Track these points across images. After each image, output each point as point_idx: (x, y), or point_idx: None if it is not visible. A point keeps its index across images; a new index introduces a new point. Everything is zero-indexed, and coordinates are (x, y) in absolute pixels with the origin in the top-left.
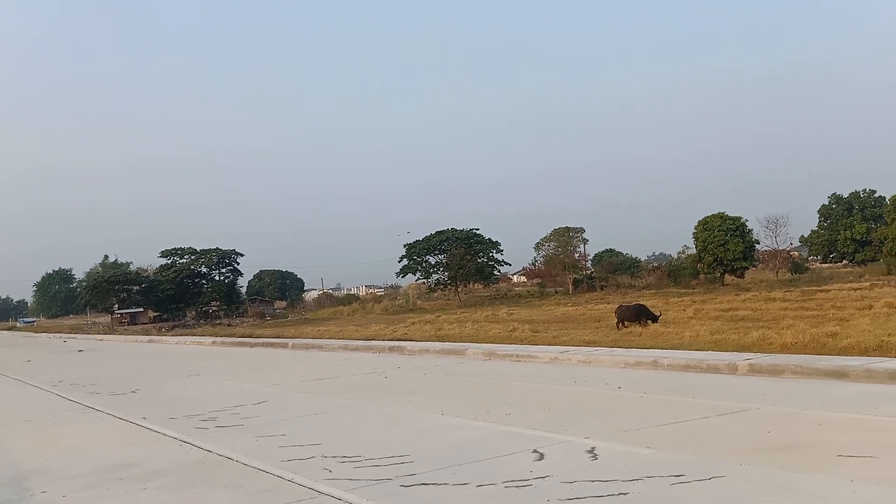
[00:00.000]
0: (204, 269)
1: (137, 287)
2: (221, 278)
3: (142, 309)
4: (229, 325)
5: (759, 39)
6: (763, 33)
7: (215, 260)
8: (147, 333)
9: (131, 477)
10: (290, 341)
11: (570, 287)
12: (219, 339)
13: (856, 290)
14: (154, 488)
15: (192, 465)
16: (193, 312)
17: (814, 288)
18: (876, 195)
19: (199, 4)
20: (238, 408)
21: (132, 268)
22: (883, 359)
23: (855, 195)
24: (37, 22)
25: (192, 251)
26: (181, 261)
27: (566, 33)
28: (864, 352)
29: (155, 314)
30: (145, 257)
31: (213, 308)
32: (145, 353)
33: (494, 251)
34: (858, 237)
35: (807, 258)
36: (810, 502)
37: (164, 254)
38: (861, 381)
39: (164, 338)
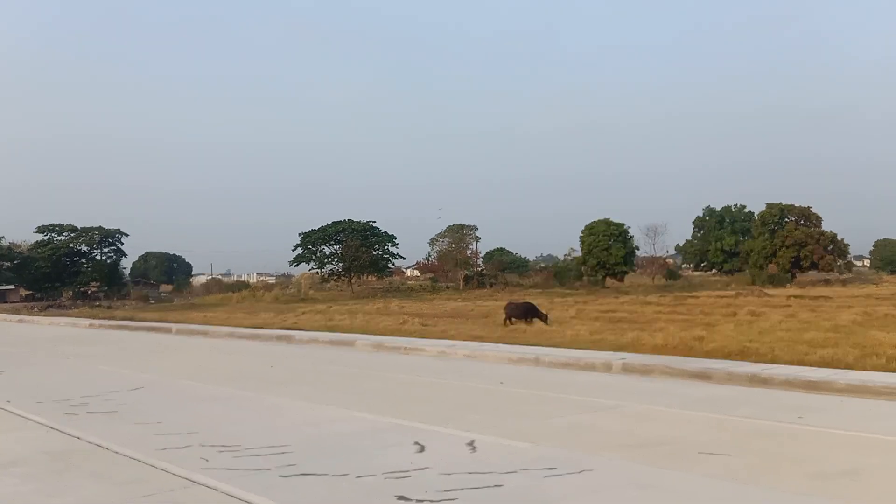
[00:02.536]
0: (85, 248)
1: (9, 263)
2: (103, 258)
3: (13, 286)
4: (109, 307)
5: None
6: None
7: (97, 239)
8: (17, 313)
9: None
10: (174, 326)
11: (462, 283)
12: (97, 322)
13: (723, 297)
14: (15, 476)
15: (58, 453)
16: (70, 293)
17: (685, 294)
18: (746, 210)
19: None
20: (112, 394)
21: (3, 242)
22: (743, 363)
23: (727, 209)
24: None
25: (73, 228)
26: (60, 237)
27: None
28: (727, 355)
29: (27, 293)
30: (20, 233)
31: (93, 289)
32: (14, 333)
33: (390, 244)
34: (728, 248)
35: (680, 266)
36: (670, 496)
37: (41, 229)
38: (723, 383)
39: (35, 318)
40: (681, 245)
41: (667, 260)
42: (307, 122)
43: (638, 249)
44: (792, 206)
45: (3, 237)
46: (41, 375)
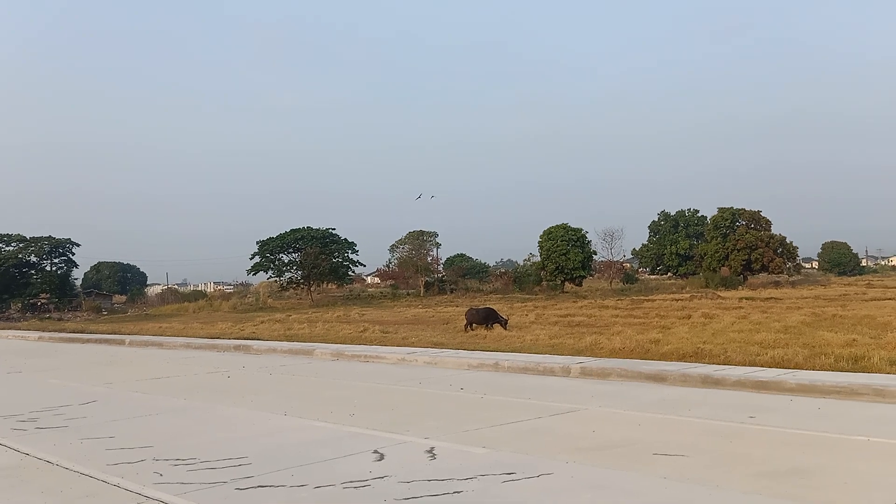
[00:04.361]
0: (34, 259)
1: None
2: (53, 269)
3: None
4: (60, 319)
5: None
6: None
7: (47, 249)
8: None
9: None
10: (128, 338)
11: (422, 289)
12: (46, 334)
13: (678, 300)
14: None
15: (6, 470)
16: (20, 305)
17: (642, 297)
18: (699, 214)
19: None
20: (63, 408)
21: None
22: (697, 364)
23: (681, 213)
24: None
25: (21, 238)
26: (7, 248)
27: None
28: (682, 357)
29: None
30: None
31: (43, 301)
32: None
33: (350, 251)
34: (682, 252)
35: (637, 269)
36: (625, 497)
37: None
38: (678, 385)
39: None
40: (637, 249)
41: (624, 264)
42: (263, 131)
43: (596, 254)
44: (743, 210)
45: None
46: None
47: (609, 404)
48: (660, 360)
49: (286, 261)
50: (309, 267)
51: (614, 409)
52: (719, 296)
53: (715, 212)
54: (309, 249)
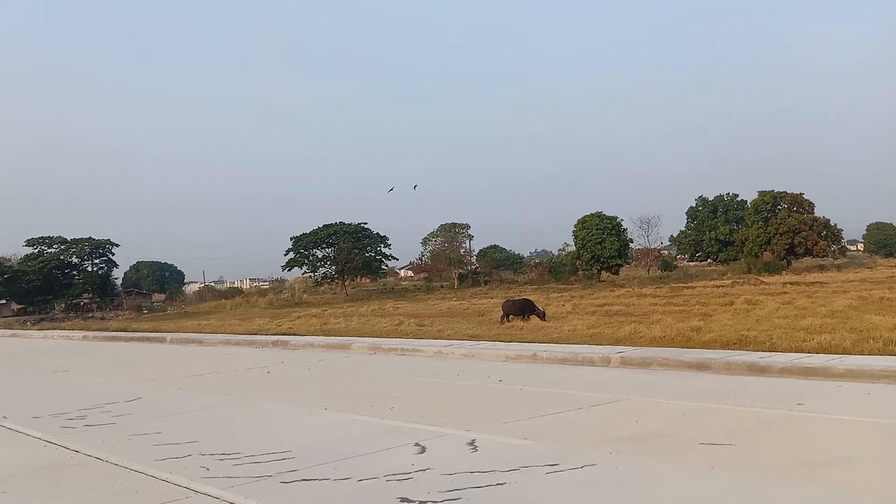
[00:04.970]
0: (75, 260)
1: None
2: (94, 269)
3: (4, 301)
4: (102, 318)
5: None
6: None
7: (88, 250)
8: (9, 327)
9: None
10: (169, 335)
11: (456, 282)
12: (90, 334)
13: (719, 287)
14: (13, 492)
15: (56, 467)
16: (63, 305)
17: (681, 285)
18: (738, 199)
19: None
20: (110, 405)
21: None
22: (742, 352)
23: (719, 198)
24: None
25: (62, 240)
26: (49, 250)
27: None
28: (725, 345)
29: (19, 307)
30: (8, 247)
31: (85, 301)
32: (7, 348)
33: (382, 245)
34: (722, 237)
35: (675, 256)
36: (671, 488)
37: (31, 243)
38: (722, 373)
39: (28, 332)
40: (675, 236)
41: (661, 251)
42: (294, 131)
43: (632, 242)
44: (784, 193)
45: None
46: (37, 389)
47: (651, 394)
48: (702, 348)
49: (320, 256)
50: (342, 262)
51: (657, 398)
52: (762, 281)
53: (755, 195)
54: (342, 244)
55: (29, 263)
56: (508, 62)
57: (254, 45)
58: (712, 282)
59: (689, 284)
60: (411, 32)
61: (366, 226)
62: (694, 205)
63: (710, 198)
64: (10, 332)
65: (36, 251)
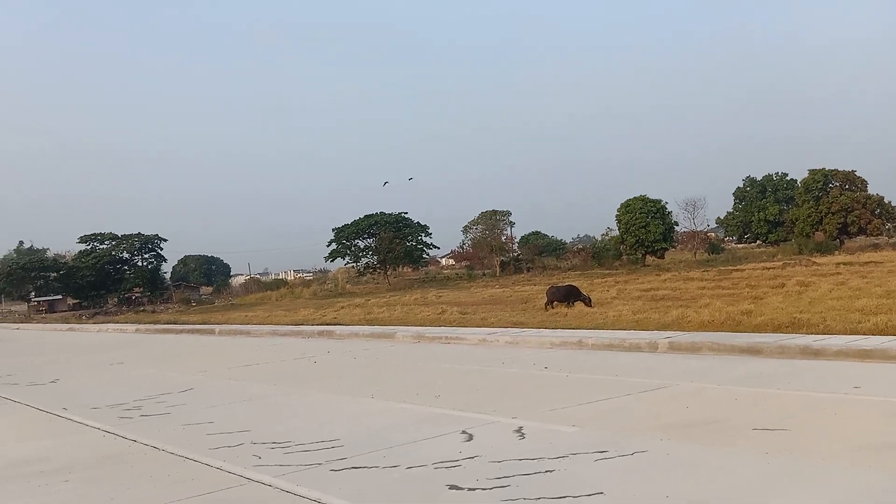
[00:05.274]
0: (126, 255)
1: (55, 274)
2: (144, 264)
3: (60, 296)
4: (153, 311)
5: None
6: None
7: (137, 245)
8: (66, 321)
9: (52, 470)
10: (217, 327)
11: (498, 269)
12: (142, 326)
13: (769, 269)
14: (76, 480)
15: (115, 456)
16: (115, 299)
17: (729, 267)
18: (788, 178)
19: None
20: (164, 396)
21: (49, 254)
22: (794, 335)
23: (768, 178)
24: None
25: (113, 237)
26: (101, 246)
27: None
28: (777, 328)
29: (74, 302)
30: (63, 243)
31: (136, 294)
32: (65, 341)
33: (423, 235)
34: (771, 218)
35: (723, 239)
36: (724, 475)
37: (84, 239)
38: (774, 357)
39: (84, 326)
40: (722, 218)
41: (708, 234)
42: (331, 123)
43: (677, 225)
44: (836, 170)
45: (48, 248)
46: (94, 381)
47: (701, 379)
48: (753, 332)
49: (362, 246)
50: (384, 251)
51: (707, 384)
52: (814, 262)
53: (805, 174)
54: (383, 234)
55: (83, 260)
56: (548, 45)
57: (308, 41)
58: (762, 264)
59: (738, 267)
60: (443, 23)
61: (406, 215)
62: (741, 185)
63: (759, 178)
64: (68, 326)
65: (88, 247)
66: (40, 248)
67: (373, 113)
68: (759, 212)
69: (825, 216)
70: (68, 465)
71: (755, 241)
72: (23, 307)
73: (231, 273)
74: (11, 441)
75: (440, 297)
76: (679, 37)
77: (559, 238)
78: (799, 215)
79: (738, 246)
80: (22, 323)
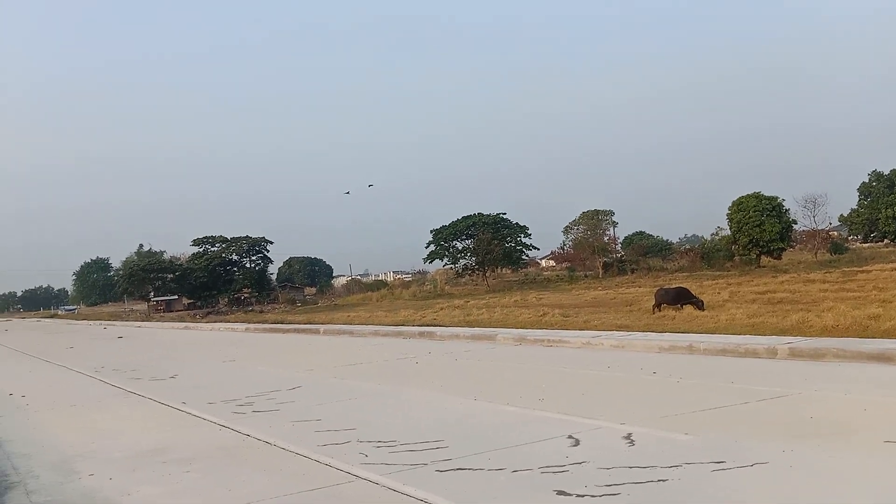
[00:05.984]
0: (235, 257)
1: (171, 275)
2: (252, 265)
3: (176, 296)
4: (261, 311)
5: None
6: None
7: (245, 248)
8: (182, 320)
9: (174, 460)
10: (322, 327)
11: (601, 271)
12: (251, 326)
13: None
14: (196, 471)
15: (231, 449)
16: (226, 299)
17: (854, 268)
18: None
19: None
20: (273, 393)
21: (165, 256)
22: None
23: None
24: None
25: (223, 239)
26: (213, 249)
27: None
28: None
29: (189, 301)
30: (178, 246)
31: (245, 295)
32: (181, 339)
33: (522, 235)
34: None
35: (846, 238)
36: (857, 491)
37: (196, 242)
38: None
39: (198, 324)
40: (845, 215)
41: (830, 233)
42: (424, 121)
43: (796, 223)
44: None
45: (164, 251)
46: (209, 377)
47: (826, 388)
48: (882, 337)
49: (460, 248)
50: (482, 253)
51: (832, 392)
52: None
53: None
54: (481, 235)
55: (196, 261)
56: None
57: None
58: (891, 264)
59: (864, 268)
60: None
61: (505, 216)
62: (867, 180)
63: (885, 171)
64: (184, 324)
65: (201, 250)
66: (158, 250)
67: (465, 112)
68: (886, 208)
69: None
70: (189, 456)
71: (882, 240)
72: (143, 306)
73: (333, 274)
74: (138, 432)
75: (540, 298)
76: (785, 24)
77: (665, 238)
78: None
79: (864, 245)
80: (143, 321)
